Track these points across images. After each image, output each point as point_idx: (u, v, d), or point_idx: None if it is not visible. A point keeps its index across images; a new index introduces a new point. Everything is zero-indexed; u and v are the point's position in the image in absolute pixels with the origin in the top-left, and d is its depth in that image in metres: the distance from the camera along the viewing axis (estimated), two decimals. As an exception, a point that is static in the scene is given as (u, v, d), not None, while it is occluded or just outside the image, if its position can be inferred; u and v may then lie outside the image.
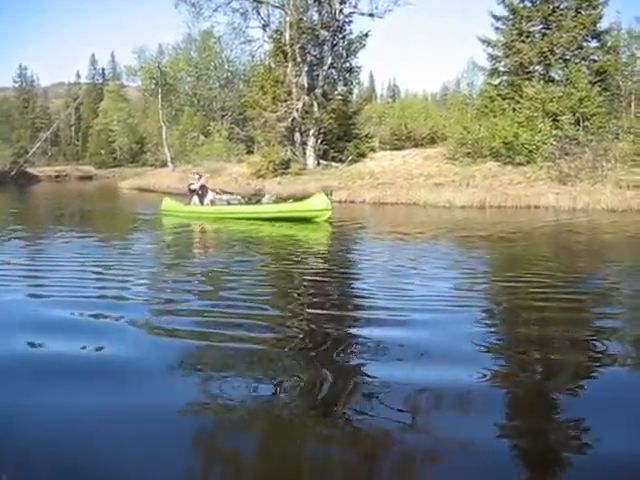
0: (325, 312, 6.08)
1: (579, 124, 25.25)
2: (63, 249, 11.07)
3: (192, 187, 17.37)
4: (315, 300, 6.76)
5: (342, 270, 9.04)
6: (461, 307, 5.98)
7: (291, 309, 6.38)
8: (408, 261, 9.22)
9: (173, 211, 17.71)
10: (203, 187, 17.28)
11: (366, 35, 32.95)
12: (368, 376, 4.19)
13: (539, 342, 4.99)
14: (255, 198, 17.43)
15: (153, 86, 50.06)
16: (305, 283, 7.90)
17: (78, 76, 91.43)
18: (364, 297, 6.90)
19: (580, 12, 28.13)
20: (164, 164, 46.91)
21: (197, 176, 18.24)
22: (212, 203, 16.87)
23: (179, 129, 48.93)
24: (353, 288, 7.73)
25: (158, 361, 4.56)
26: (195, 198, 17.09)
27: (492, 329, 5.34)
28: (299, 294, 7.17)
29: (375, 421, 3.56)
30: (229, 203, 16.67)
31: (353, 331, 5.45)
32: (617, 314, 5.74)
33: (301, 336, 5.24)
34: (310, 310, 6.19)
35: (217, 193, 17.38)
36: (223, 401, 3.92)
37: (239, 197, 17.32)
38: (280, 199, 17.37)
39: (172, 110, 51.38)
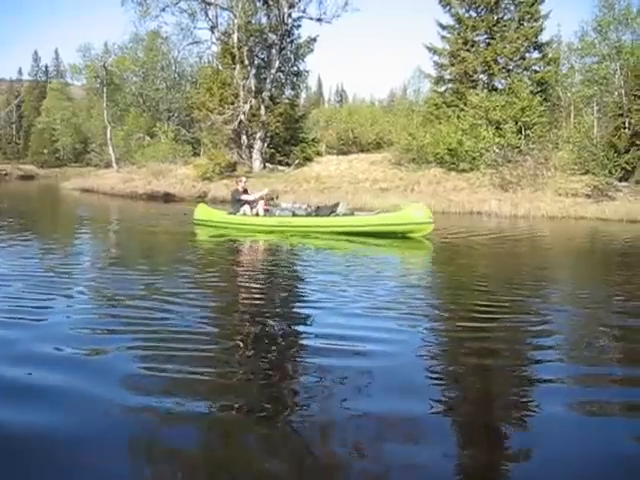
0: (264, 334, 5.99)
1: (521, 133, 25.92)
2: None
3: (242, 196, 14.61)
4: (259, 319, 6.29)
5: (287, 280, 8.80)
6: (401, 331, 5.73)
7: (230, 325, 6.22)
8: (348, 281, 8.84)
9: (214, 221, 14.79)
10: (246, 193, 14.93)
11: (314, 40, 33.26)
12: (314, 402, 4.04)
13: (481, 369, 4.95)
14: (327, 209, 13.98)
15: (98, 85, 49.14)
16: (240, 298, 7.45)
17: (20, 73, 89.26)
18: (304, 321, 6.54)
19: (523, 24, 29.03)
20: (108, 165, 45.98)
21: (244, 179, 15.94)
22: (266, 213, 14.28)
23: (124, 129, 48.00)
24: (295, 306, 7.37)
25: (100, 375, 4.33)
26: (246, 207, 14.40)
27: (434, 358, 5.21)
28: (233, 310, 6.79)
29: (320, 446, 3.51)
30: (294, 214, 13.85)
31: (291, 356, 5.20)
32: (558, 340, 5.65)
33: (245, 358, 5.12)
34: (249, 329, 5.95)
35: (267, 203, 14.88)
36: (168, 408, 3.82)
37: (304, 206, 14.37)
38: (357, 209, 14.72)
39: (117, 110, 50.36)
